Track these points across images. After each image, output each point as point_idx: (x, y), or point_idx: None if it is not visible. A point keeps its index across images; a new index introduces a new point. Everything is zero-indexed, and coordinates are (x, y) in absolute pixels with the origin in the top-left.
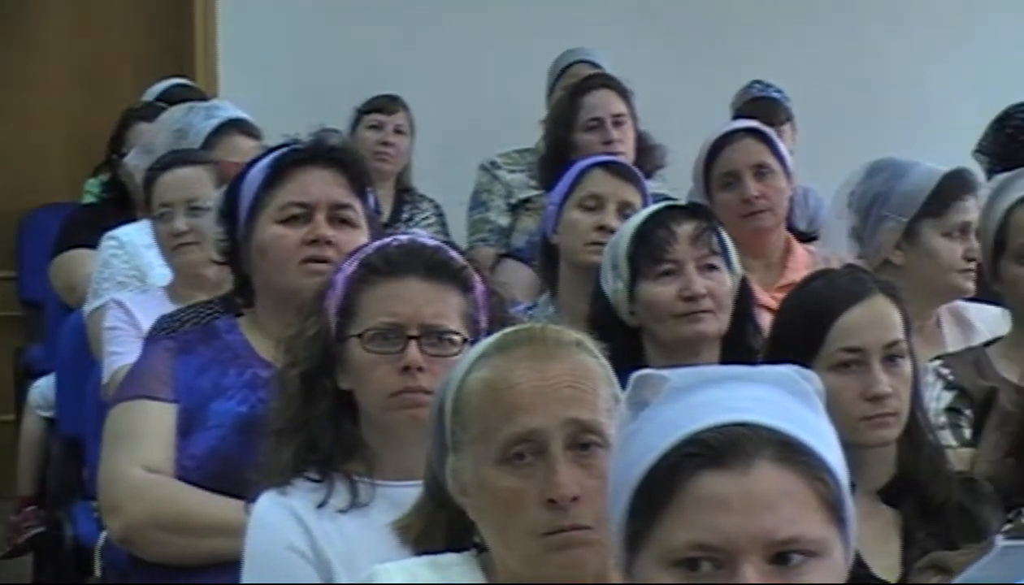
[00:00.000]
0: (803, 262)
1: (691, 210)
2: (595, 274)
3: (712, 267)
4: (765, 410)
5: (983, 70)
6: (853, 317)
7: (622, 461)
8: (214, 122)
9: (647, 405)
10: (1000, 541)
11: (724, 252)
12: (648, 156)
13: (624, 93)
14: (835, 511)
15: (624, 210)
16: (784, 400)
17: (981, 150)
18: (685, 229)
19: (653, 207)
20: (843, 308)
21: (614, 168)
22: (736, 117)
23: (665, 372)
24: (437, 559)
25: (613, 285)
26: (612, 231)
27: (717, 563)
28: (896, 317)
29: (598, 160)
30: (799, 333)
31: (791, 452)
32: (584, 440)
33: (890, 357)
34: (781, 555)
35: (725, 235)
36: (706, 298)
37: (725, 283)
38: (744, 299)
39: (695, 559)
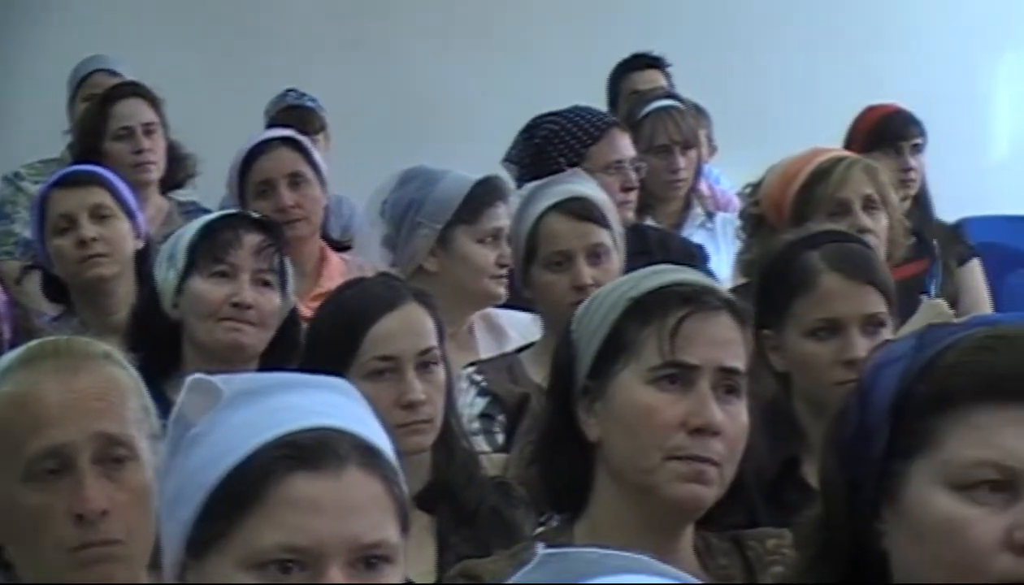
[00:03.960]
0: (338, 270)
1: (264, 224)
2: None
3: (266, 283)
4: (345, 415)
5: (512, 79)
6: (386, 325)
7: (189, 464)
8: None
9: (208, 409)
10: (540, 549)
11: (282, 274)
12: (180, 165)
13: (154, 101)
14: (403, 518)
15: (96, 212)
16: (353, 406)
17: (510, 159)
18: (252, 239)
19: (228, 211)
20: (376, 317)
21: (68, 181)
22: (271, 125)
23: (221, 377)
24: None
25: (165, 274)
26: (85, 242)
27: (301, 565)
28: (429, 324)
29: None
30: (333, 342)
31: (374, 458)
32: (114, 454)
33: (424, 364)
34: (364, 559)
35: (288, 262)
36: (252, 310)
37: (273, 302)
38: (291, 329)
39: (281, 560)
